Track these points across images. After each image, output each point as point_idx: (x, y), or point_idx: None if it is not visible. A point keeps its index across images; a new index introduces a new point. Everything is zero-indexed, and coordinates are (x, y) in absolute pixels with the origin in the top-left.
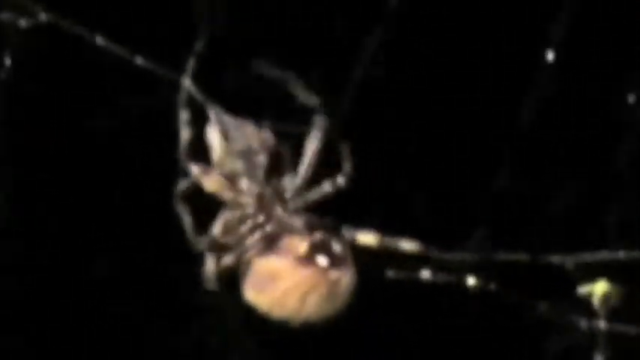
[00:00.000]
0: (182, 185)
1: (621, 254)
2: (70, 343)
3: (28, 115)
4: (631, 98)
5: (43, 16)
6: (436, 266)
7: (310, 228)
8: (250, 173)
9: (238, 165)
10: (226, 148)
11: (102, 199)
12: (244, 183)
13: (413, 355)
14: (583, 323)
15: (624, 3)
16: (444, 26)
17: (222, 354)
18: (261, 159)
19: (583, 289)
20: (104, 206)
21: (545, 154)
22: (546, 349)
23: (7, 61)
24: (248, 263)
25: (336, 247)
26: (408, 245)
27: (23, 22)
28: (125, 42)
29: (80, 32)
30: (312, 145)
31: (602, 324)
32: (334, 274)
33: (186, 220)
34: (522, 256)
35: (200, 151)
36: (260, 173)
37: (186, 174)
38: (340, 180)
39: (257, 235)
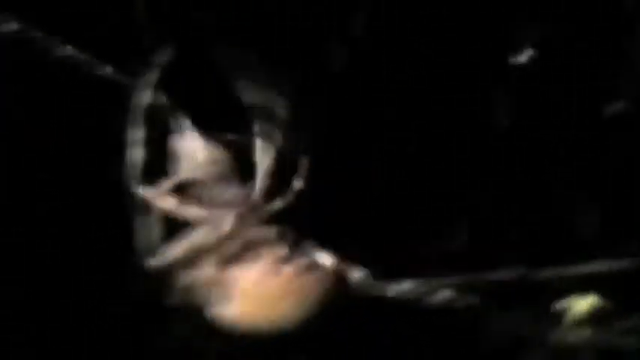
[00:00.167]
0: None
1: (600, 266)
2: (63, 343)
3: None
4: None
5: (13, 25)
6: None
7: (279, 238)
8: (221, 183)
9: (210, 176)
10: (199, 159)
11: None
12: (214, 194)
13: None
14: (555, 337)
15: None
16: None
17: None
18: (230, 169)
19: (568, 302)
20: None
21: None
22: None
23: None
24: (214, 278)
25: (306, 256)
26: (356, 276)
27: None
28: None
29: (49, 42)
30: (265, 158)
31: (584, 335)
32: (304, 282)
33: (141, 235)
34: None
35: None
36: (231, 183)
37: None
38: (288, 197)
39: (227, 248)
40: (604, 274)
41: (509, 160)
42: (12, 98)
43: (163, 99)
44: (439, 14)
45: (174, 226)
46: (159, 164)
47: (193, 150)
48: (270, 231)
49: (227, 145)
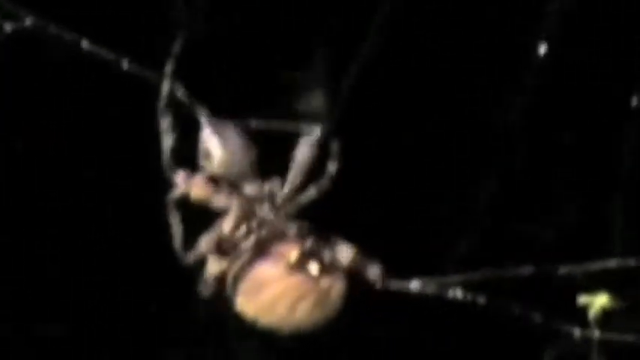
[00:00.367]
0: (174, 194)
1: (621, 262)
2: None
3: (10, 119)
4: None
5: (28, 21)
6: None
7: (301, 235)
8: (246, 178)
9: (235, 170)
10: (226, 153)
11: (91, 205)
12: (239, 188)
13: None
14: (577, 332)
15: None
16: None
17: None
18: (254, 163)
19: (582, 300)
20: (95, 212)
21: (541, 161)
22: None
23: None
24: (239, 271)
25: (327, 254)
26: (372, 273)
27: (8, 27)
28: (111, 46)
29: (66, 37)
30: (304, 151)
31: (596, 333)
32: (325, 281)
33: (177, 231)
34: (528, 269)
35: (184, 158)
36: (254, 178)
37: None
38: (324, 183)
39: (249, 242)
40: (618, 271)
41: (522, 158)
42: (31, 94)
43: (182, 90)
44: (449, 12)
45: (204, 219)
46: (183, 155)
47: (224, 139)
48: (296, 225)
49: (254, 135)
